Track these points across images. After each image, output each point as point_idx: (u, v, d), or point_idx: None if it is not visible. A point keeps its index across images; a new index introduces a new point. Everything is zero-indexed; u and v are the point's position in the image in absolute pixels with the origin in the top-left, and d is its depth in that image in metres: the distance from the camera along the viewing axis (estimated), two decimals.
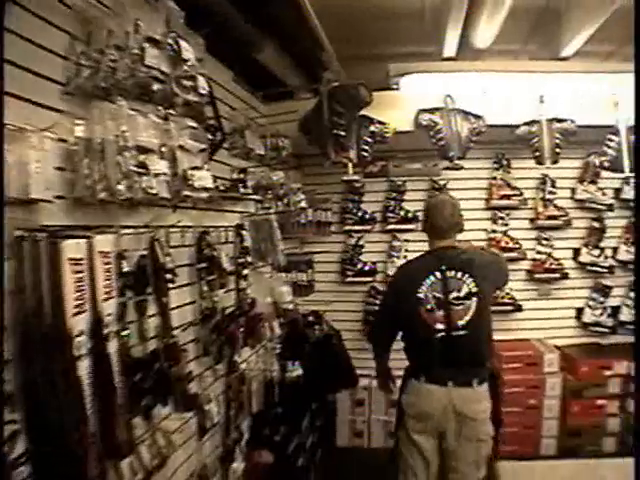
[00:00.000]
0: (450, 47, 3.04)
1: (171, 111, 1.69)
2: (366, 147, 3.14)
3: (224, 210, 2.54)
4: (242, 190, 2.57)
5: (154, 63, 1.47)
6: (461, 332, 2.20)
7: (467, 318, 2.21)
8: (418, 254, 2.54)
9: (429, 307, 2.23)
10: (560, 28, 2.98)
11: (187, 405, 1.90)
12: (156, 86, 1.50)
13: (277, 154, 3.04)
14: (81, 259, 1.28)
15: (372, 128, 3.16)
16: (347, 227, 3.96)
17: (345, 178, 3.19)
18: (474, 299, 2.22)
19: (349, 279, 3.96)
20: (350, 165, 3.10)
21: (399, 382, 2.44)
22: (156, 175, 1.52)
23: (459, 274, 2.25)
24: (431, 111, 3.27)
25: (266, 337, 2.92)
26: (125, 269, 1.53)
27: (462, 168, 3.36)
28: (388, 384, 2.64)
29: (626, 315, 3.85)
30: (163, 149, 1.61)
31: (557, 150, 3.31)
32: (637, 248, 2.54)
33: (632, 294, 3.84)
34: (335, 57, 3.04)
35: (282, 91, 3.38)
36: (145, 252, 1.70)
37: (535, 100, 3.32)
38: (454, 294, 2.23)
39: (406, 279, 2.39)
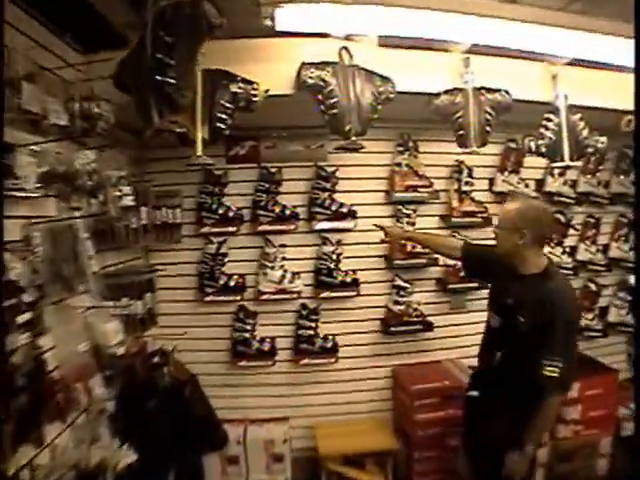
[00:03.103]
0: None
1: None
2: (223, 116, 2.12)
3: None
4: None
5: None
6: None
7: None
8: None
9: None
10: None
11: None
12: None
13: (90, 126, 2.13)
14: None
15: (233, 89, 2.16)
16: (205, 229, 3.14)
17: (193, 162, 2.14)
18: None
19: (210, 298, 3.17)
20: (199, 143, 2.05)
21: None
22: None
23: None
24: (320, 66, 2.32)
25: (78, 407, 2.08)
26: None
27: (362, 148, 2.49)
28: None
29: None
30: None
31: (487, 129, 2.60)
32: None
33: None
34: None
35: (107, 35, 2.26)
36: None
37: (459, 62, 2.58)
38: None
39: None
